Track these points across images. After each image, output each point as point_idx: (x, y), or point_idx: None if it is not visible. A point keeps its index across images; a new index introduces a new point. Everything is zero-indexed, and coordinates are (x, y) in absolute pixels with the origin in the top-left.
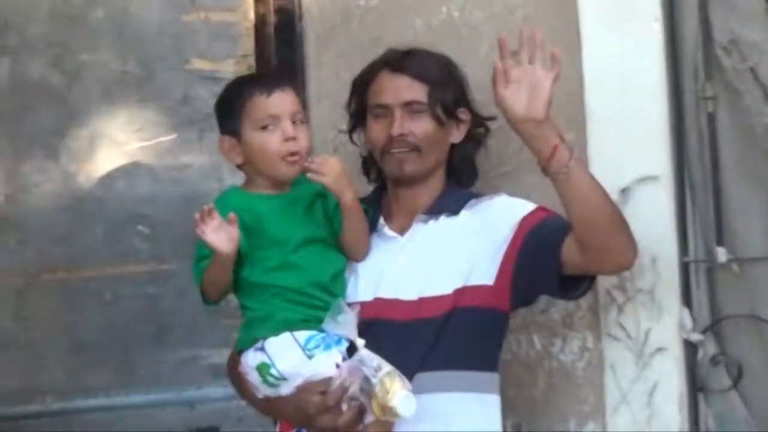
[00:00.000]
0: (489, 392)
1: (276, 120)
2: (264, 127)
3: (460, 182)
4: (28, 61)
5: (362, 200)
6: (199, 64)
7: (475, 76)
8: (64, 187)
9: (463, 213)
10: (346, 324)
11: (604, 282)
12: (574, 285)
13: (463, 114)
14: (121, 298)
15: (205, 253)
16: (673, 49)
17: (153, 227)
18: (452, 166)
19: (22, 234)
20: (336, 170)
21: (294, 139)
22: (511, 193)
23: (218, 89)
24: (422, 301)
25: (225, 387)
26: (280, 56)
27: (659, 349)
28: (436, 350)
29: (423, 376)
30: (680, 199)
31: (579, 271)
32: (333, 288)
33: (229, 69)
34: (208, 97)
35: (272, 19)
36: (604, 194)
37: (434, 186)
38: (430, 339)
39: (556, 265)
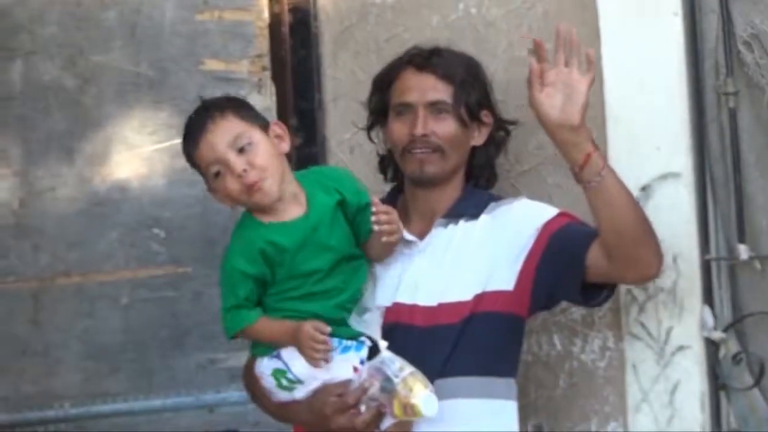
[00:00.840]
0: (507, 398)
1: (219, 163)
2: (216, 174)
3: (478, 185)
4: (41, 63)
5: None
6: (213, 65)
7: (493, 73)
8: (78, 191)
9: (483, 217)
10: (371, 323)
11: None
12: (595, 292)
13: (486, 116)
14: (138, 302)
15: (238, 295)
16: (694, 44)
17: (169, 230)
18: (472, 168)
19: (37, 238)
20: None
21: (245, 171)
22: (531, 192)
23: (233, 90)
24: (442, 307)
25: (243, 391)
26: (295, 56)
27: (681, 348)
28: (455, 356)
29: (442, 383)
30: (701, 196)
31: (602, 279)
32: (355, 303)
33: (244, 69)
34: None
35: (287, 18)
36: (635, 204)
37: (454, 189)
38: (449, 345)
39: (581, 271)
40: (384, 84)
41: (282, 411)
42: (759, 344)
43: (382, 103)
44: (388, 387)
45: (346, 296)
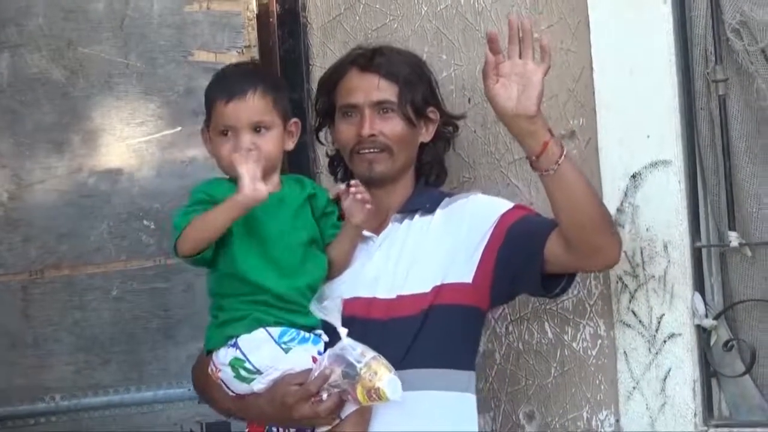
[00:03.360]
0: (465, 390)
1: (232, 129)
2: (223, 133)
3: (428, 182)
4: (29, 55)
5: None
6: (201, 56)
7: (482, 62)
8: (67, 183)
9: (438, 212)
10: (332, 310)
11: (615, 269)
12: (554, 282)
13: (432, 113)
14: (128, 293)
15: (201, 198)
16: (683, 31)
17: (158, 222)
18: (422, 165)
19: (27, 231)
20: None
21: (248, 150)
22: (521, 179)
23: None
24: (400, 299)
25: None
26: (283, 47)
27: (672, 336)
28: (414, 348)
29: (401, 374)
30: (692, 184)
31: (561, 268)
32: (316, 290)
33: (233, 60)
34: None
35: (275, 8)
36: (593, 192)
37: (405, 186)
38: (409, 337)
39: (540, 262)
40: (329, 86)
41: (240, 404)
42: (750, 331)
43: (328, 104)
44: (350, 373)
45: (305, 281)
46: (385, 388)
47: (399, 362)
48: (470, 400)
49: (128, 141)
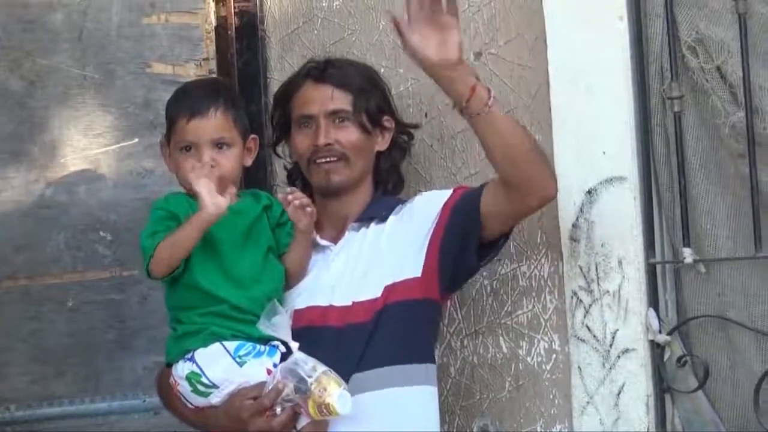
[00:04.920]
0: (425, 383)
1: (194, 145)
2: (185, 148)
3: (386, 190)
4: None
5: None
6: (159, 68)
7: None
8: (24, 194)
9: (391, 218)
10: (280, 325)
11: (570, 284)
12: (494, 248)
13: (387, 121)
14: (84, 304)
15: (162, 215)
16: (639, 48)
17: (115, 233)
18: (379, 173)
19: None
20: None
21: (210, 166)
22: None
23: None
24: (355, 306)
25: None
26: (241, 59)
27: (626, 351)
28: (369, 350)
29: (359, 376)
30: (647, 200)
31: (502, 218)
32: (273, 296)
33: (191, 72)
34: None
35: (233, 21)
36: (522, 127)
37: (363, 194)
38: (363, 341)
39: (479, 221)
40: (284, 99)
41: (199, 416)
42: (703, 347)
43: (284, 118)
44: (302, 388)
45: (262, 291)
46: (335, 403)
47: (355, 366)
48: (428, 391)
49: (86, 152)
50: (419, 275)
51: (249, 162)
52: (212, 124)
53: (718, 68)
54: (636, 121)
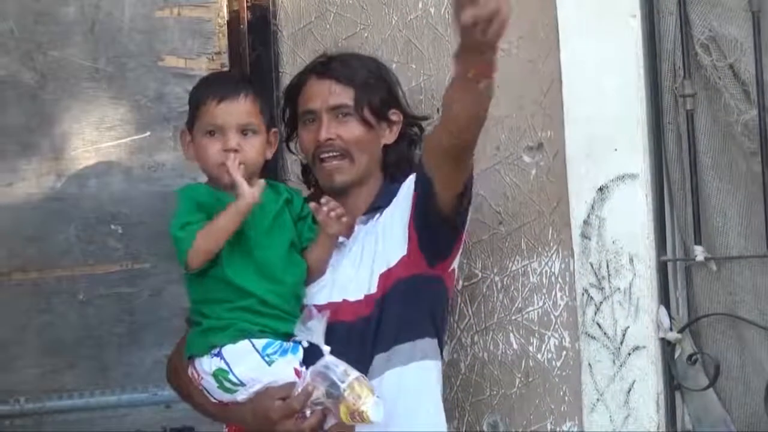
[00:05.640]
0: (421, 359)
1: (221, 129)
2: (210, 133)
3: (396, 179)
4: None
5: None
6: (171, 62)
7: (450, 70)
8: (35, 186)
9: (391, 204)
10: (315, 330)
11: (581, 281)
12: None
13: (395, 114)
14: (95, 297)
15: (190, 206)
16: (652, 46)
17: (126, 226)
18: (387, 166)
19: None
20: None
21: (235, 151)
22: (489, 189)
23: (191, 87)
24: (366, 299)
25: None
26: (253, 54)
27: (636, 348)
28: (377, 339)
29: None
30: (658, 198)
31: (447, 154)
32: (298, 294)
33: (203, 66)
34: (181, 94)
35: (246, 16)
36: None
37: (372, 187)
38: (372, 332)
39: (428, 178)
40: (293, 94)
41: (222, 411)
42: (714, 345)
43: (292, 113)
44: (334, 393)
45: (288, 285)
46: (369, 411)
47: (369, 359)
48: (429, 366)
49: (97, 145)
50: (406, 253)
51: (270, 155)
52: (241, 108)
53: (731, 66)
54: (648, 118)
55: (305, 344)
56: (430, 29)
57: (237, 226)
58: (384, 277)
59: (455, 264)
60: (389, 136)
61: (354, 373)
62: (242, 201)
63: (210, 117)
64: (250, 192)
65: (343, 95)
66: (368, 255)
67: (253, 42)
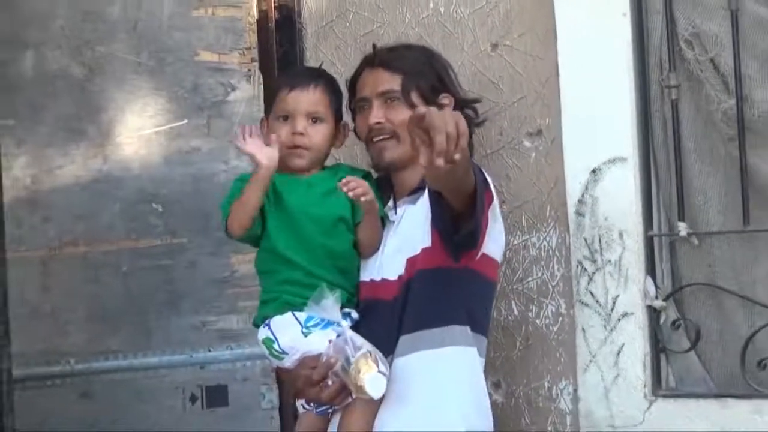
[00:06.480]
0: (452, 344)
1: (290, 115)
2: (281, 118)
3: None
4: (50, 54)
5: (378, 181)
6: (206, 56)
7: (459, 66)
8: (84, 169)
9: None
10: (328, 308)
11: (576, 254)
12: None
13: (446, 98)
14: (137, 269)
15: (239, 186)
16: (640, 41)
17: (166, 205)
18: None
19: (47, 212)
20: (368, 186)
21: (301, 134)
22: (494, 172)
23: (224, 79)
24: (399, 280)
25: (232, 350)
26: (280, 49)
27: (625, 315)
28: (404, 319)
29: (398, 344)
30: (646, 179)
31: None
32: (342, 268)
33: (234, 60)
34: (215, 86)
35: (273, 14)
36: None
37: (420, 169)
38: (399, 311)
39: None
40: (352, 86)
41: (280, 374)
42: (696, 312)
43: (353, 102)
44: (346, 367)
45: (331, 258)
46: (366, 385)
47: (396, 336)
48: (458, 351)
49: (139, 132)
50: (429, 245)
51: (339, 145)
52: (310, 97)
53: (712, 60)
54: (637, 107)
55: (355, 315)
56: (440, 27)
57: (262, 193)
58: (411, 262)
59: (492, 249)
60: None
61: (365, 348)
62: (258, 168)
63: (282, 103)
64: (264, 156)
65: (391, 81)
66: (405, 237)
67: (280, 39)
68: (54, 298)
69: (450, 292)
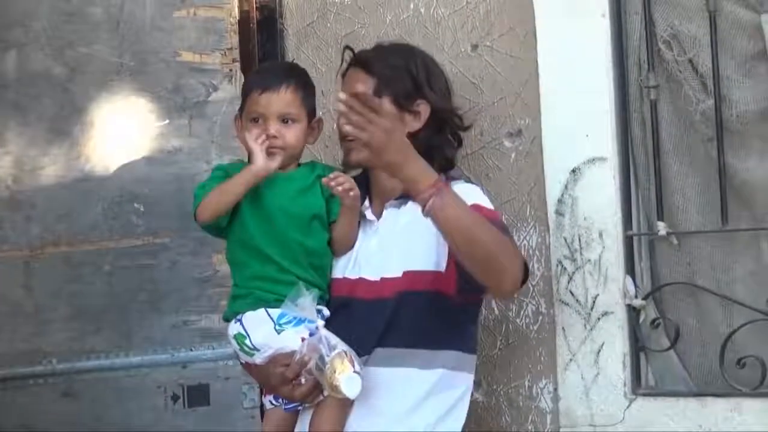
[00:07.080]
0: (437, 367)
1: (262, 117)
2: (254, 120)
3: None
4: (33, 54)
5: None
6: (188, 57)
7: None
8: (66, 169)
9: None
10: (306, 306)
11: (556, 253)
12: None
13: (420, 105)
14: (119, 269)
15: (219, 174)
16: (620, 42)
17: (147, 205)
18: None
19: (29, 211)
20: (353, 182)
21: (275, 137)
22: (473, 172)
23: (206, 79)
24: (383, 282)
25: (213, 349)
26: (262, 50)
27: (605, 314)
28: (391, 328)
29: (379, 351)
30: (625, 179)
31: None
32: (316, 264)
33: (216, 61)
34: (196, 86)
35: (255, 15)
36: (478, 227)
37: None
38: (386, 317)
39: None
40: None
41: (249, 370)
42: (675, 311)
43: None
44: (320, 365)
45: (305, 254)
46: (342, 385)
47: (377, 340)
48: (429, 376)
49: (121, 132)
50: (442, 270)
51: (312, 141)
52: (281, 99)
53: (690, 60)
54: (616, 107)
55: (327, 312)
56: (420, 27)
57: (245, 188)
58: (410, 275)
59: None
60: (413, 122)
61: (340, 348)
62: (254, 167)
63: (254, 105)
64: (263, 161)
65: (365, 84)
66: (394, 241)
67: (261, 39)
68: (36, 298)
69: (448, 316)
